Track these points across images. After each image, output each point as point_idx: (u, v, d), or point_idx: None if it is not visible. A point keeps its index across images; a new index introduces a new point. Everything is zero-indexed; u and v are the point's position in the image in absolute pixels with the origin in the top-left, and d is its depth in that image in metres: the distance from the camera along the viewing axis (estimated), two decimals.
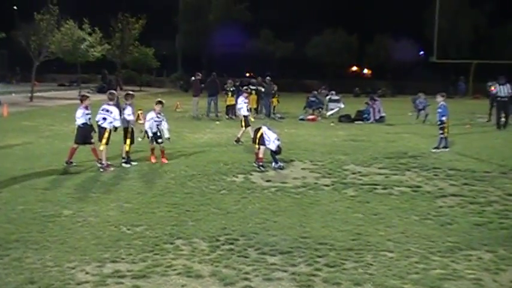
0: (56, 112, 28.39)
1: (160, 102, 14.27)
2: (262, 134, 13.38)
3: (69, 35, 39.24)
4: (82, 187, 11.02)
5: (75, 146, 13.21)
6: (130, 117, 13.61)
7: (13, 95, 40.07)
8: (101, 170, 12.61)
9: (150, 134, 13.89)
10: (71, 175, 12.17)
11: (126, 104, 13.83)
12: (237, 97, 27.60)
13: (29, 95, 37.06)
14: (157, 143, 13.90)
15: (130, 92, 14.57)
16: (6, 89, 44.80)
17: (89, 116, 13.22)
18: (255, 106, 28.48)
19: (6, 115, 25.30)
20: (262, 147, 13.29)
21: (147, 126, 13.80)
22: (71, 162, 13.15)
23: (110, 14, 51.20)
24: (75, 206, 9.56)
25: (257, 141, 13.43)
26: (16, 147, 16.09)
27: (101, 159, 12.82)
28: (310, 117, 27.43)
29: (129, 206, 9.63)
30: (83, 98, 13.46)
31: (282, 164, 13.38)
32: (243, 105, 18.20)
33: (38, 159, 14.00)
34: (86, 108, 13.22)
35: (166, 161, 13.74)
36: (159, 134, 13.91)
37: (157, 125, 13.90)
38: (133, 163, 13.51)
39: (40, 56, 36.80)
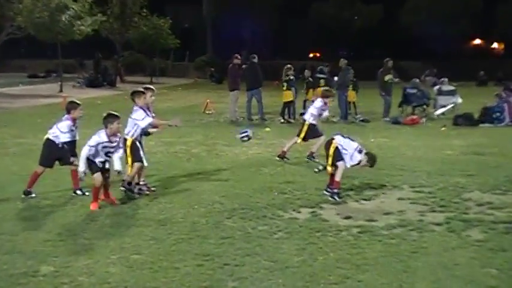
0: (26, 117, 29.01)
1: (111, 118, 13.07)
2: (336, 147, 13.34)
3: (44, 0, 39.94)
4: (68, 230, 11.16)
5: (41, 170, 13.58)
6: (145, 123, 13.72)
7: None
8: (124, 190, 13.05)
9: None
10: (50, 212, 12.35)
11: (135, 106, 13.96)
12: (296, 90, 27.96)
13: None
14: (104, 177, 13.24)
15: (140, 89, 14.60)
16: None
17: (75, 132, 13.54)
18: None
19: None
20: (340, 164, 13.22)
21: (84, 153, 12.85)
22: (30, 192, 13.50)
23: None
24: (58, 259, 9.66)
25: (331, 159, 13.39)
26: None
27: (127, 181, 13.27)
28: (410, 118, 27.26)
29: (138, 258, 9.72)
30: (70, 107, 13.69)
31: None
32: (313, 110, 17.95)
33: (1, 189, 14.26)
34: (74, 121, 13.48)
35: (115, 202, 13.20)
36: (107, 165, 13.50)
37: (107, 152, 13.20)
38: (144, 190, 13.68)
39: (1, 34, 37.51)
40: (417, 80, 30.10)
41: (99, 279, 8.84)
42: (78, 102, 14.18)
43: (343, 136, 13.70)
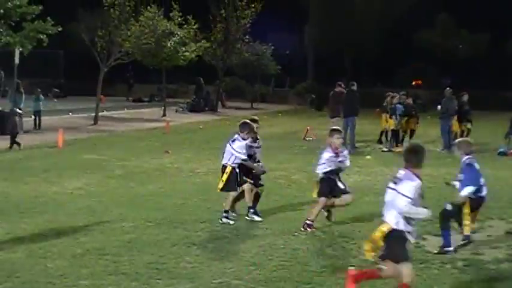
0: (131, 140, 29.59)
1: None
2: None
3: (151, 26, 40.70)
4: (170, 253, 11.29)
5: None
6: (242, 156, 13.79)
7: (70, 114, 42.25)
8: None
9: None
10: (153, 234, 12.52)
11: (239, 135, 14.02)
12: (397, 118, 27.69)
13: (93, 115, 38.90)
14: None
15: (247, 121, 14.63)
16: (56, 106, 46.98)
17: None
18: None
19: (62, 145, 26.74)
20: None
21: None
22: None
23: None
24: (161, 282, 9.83)
25: None
26: (75, 193, 16.86)
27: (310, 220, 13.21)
28: None
29: (239, 284, 9.79)
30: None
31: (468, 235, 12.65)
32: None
33: (105, 212, 14.60)
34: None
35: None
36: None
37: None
38: (257, 218, 13.83)
39: (110, 59, 38.31)
40: None
41: None
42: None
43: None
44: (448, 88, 29.25)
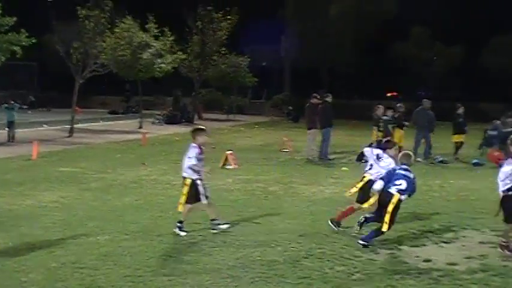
0: (107, 152, 29.53)
1: None
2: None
3: (126, 38, 40.72)
4: (146, 266, 11.25)
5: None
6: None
7: (44, 126, 42.09)
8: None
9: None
10: (129, 247, 12.48)
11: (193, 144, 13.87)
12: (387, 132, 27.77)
13: (68, 127, 38.78)
14: None
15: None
16: (31, 118, 46.87)
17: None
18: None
19: (36, 157, 26.59)
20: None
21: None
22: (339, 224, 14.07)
23: (186, 7, 52.34)
24: None
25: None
26: (50, 206, 16.73)
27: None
28: (495, 153, 26.62)
29: None
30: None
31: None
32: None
33: (81, 225, 14.50)
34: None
35: None
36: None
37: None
38: (223, 226, 13.75)
39: (85, 70, 38.25)
40: (498, 122, 29.57)
41: None
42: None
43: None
44: (425, 100, 29.53)
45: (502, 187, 12.23)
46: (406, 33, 67.03)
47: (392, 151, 14.13)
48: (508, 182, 11.97)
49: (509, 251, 12.07)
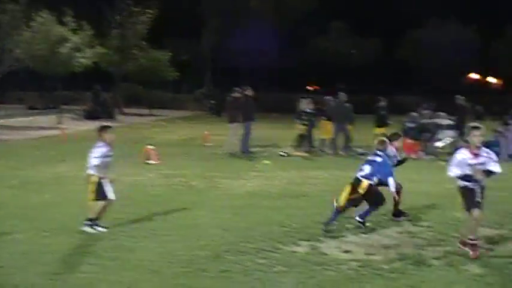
0: (25, 149, 29.01)
1: None
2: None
3: (43, 33, 40.07)
4: (65, 263, 11.12)
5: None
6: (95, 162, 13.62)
7: None
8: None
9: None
10: (48, 245, 12.35)
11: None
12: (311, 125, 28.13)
13: None
14: None
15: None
16: None
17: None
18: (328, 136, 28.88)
19: None
20: None
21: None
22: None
23: (105, 1, 51.89)
24: None
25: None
26: None
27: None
28: (409, 142, 27.02)
29: None
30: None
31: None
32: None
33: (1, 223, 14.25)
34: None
35: None
36: None
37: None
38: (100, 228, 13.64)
39: (0, 66, 37.54)
40: (414, 114, 30.07)
41: None
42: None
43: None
44: (341, 93, 29.87)
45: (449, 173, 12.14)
46: (325, 27, 67.58)
47: (397, 143, 14.95)
48: (456, 169, 11.97)
49: (471, 248, 11.58)
